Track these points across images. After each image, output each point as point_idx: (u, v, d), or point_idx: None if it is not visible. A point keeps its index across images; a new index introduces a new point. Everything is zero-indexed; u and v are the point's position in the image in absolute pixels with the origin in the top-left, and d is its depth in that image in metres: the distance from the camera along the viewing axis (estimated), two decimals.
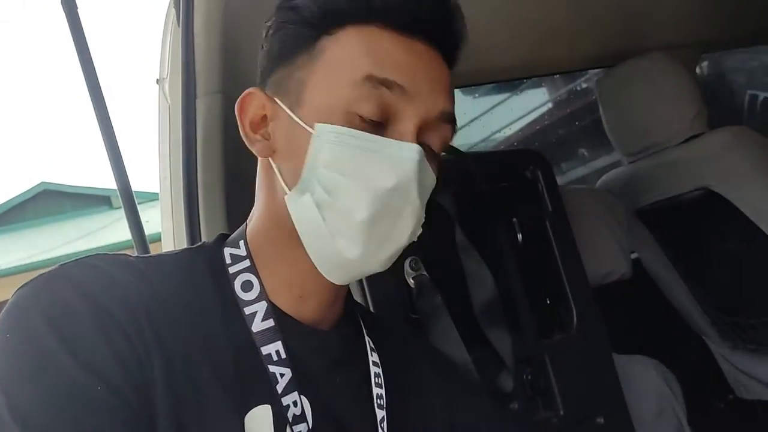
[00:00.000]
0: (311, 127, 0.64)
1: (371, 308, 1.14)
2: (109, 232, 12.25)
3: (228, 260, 0.70)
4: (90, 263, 0.61)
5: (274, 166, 0.69)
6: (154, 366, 0.57)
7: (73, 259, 0.62)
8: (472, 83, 2.10)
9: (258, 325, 0.67)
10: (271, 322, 0.67)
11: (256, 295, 0.68)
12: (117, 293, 0.59)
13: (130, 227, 1.31)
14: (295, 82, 0.67)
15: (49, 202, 14.04)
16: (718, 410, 1.97)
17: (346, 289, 0.75)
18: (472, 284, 1.24)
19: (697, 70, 2.28)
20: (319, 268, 0.67)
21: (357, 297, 1.14)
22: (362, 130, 0.64)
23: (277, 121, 0.69)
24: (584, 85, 3.42)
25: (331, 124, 0.64)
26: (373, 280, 1.15)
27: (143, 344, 0.57)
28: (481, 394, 0.88)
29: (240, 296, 0.68)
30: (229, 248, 0.72)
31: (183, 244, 1.28)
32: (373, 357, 0.76)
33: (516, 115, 3.58)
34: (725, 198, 1.66)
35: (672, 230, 1.89)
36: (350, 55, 0.65)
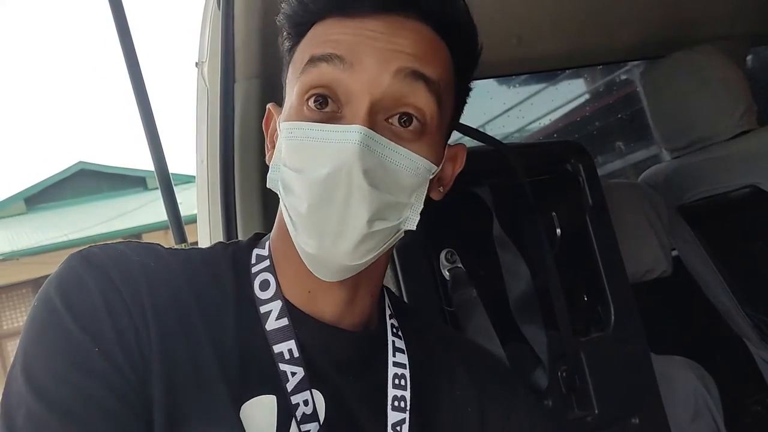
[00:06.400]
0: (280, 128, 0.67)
1: (405, 300, 1.12)
2: (143, 212, 12.47)
3: (253, 260, 0.73)
4: (113, 246, 0.67)
5: None
6: (152, 339, 0.61)
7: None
8: (511, 73, 2.06)
9: (272, 324, 0.68)
10: (285, 321, 0.68)
11: (272, 293, 0.70)
12: (128, 271, 0.64)
13: (166, 208, 1.32)
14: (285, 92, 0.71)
15: (86, 182, 14.35)
16: (756, 414, 1.92)
17: (373, 288, 0.74)
18: (509, 278, 1.22)
19: None
20: (307, 266, 0.68)
21: (392, 288, 1.13)
22: (314, 120, 0.63)
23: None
24: (624, 77, 3.35)
25: (290, 120, 0.65)
26: (408, 271, 1.14)
27: (142, 317, 0.61)
28: (522, 403, 0.84)
29: (258, 295, 0.70)
30: (257, 248, 0.74)
31: (218, 227, 1.29)
32: (396, 358, 0.74)
33: (554, 106, 3.52)
34: None
35: (715, 228, 1.84)
36: (303, 49, 0.68)
